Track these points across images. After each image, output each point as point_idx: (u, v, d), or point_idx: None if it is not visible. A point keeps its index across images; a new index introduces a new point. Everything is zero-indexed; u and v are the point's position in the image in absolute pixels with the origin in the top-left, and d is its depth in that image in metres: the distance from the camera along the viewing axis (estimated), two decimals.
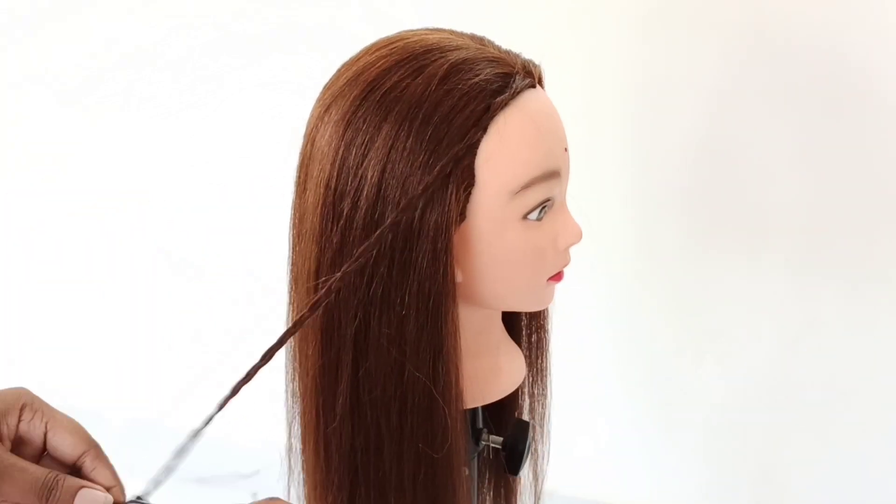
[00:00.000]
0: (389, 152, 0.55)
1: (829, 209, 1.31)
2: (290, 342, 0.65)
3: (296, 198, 0.62)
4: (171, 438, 1.70)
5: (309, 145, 0.60)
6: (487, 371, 0.68)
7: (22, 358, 1.88)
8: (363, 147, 0.56)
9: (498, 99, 0.56)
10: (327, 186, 0.57)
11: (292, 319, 0.64)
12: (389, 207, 0.55)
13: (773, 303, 1.38)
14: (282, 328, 0.67)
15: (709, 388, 1.46)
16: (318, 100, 0.60)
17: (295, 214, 0.62)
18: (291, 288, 0.64)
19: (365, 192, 0.56)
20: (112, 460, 0.47)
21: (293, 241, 0.62)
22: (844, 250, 1.32)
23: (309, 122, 0.61)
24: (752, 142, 1.31)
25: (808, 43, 1.23)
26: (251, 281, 1.63)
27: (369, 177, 0.56)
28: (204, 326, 1.71)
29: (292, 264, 0.63)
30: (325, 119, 0.58)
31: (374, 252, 0.56)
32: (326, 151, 0.57)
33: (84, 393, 1.88)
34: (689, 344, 1.45)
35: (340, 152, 0.57)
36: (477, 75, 0.57)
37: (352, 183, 0.56)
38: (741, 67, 1.26)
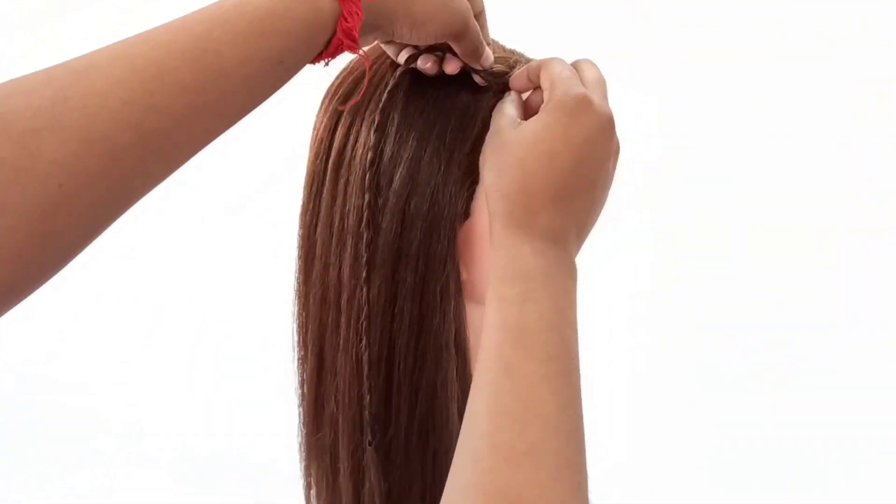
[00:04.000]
0: (412, 152, 0.56)
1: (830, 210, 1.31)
2: (296, 344, 0.65)
3: (322, 205, 0.61)
4: (168, 439, 1.70)
5: (336, 154, 0.59)
6: None
7: (22, 359, 1.89)
8: (391, 152, 0.57)
9: (503, 96, 0.57)
10: (363, 190, 0.57)
11: (301, 330, 0.64)
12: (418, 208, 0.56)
13: (775, 304, 1.39)
14: (278, 330, 0.67)
15: (712, 388, 1.46)
16: (330, 106, 0.60)
17: (315, 221, 0.61)
18: (300, 289, 0.64)
19: (394, 197, 0.56)
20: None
21: (320, 250, 0.61)
22: (853, 253, 1.32)
23: (324, 128, 0.60)
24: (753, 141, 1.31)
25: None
26: (249, 282, 1.63)
27: (397, 177, 0.56)
28: (201, 327, 1.71)
29: (317, 274, 0.62)
30: (347, 124, 0.58)
31: (380, 248, 0.56)
32: (360, 158, 0.58)
33: (83, 393, 1.89)
34: (690, 344, 1.45)
35: (371, 158, 0.57)
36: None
37: (385, 186, 0.57)
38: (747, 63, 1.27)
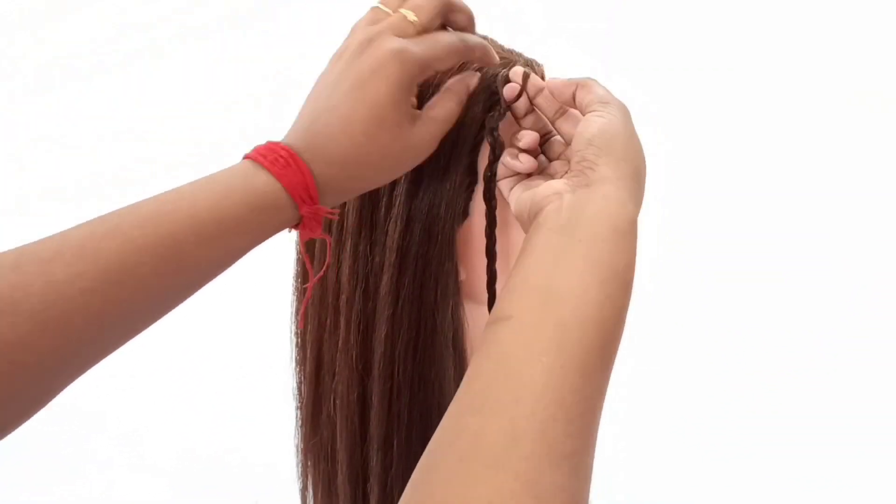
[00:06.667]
0: None
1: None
2: (294, 346, 0.64)
3: None
4: (166, 443, 1.70)
5: None
6: None
7: None
8: None
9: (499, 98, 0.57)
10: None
11: (299, 331, 0.64)
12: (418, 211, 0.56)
13: (774, 306, 1.39)
14: (277, 331, 0.66)
15: (711, 388, 1.46)
16: None
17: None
18: (299, 291, 0.63)
19: (396, 201, 0.56)
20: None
21: (319, 251, 0.61)
22: (852, 254, 1.32)
23: None
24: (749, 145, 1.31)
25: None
26: (248, 283, 1.62)
27: (400, 182, 0.56)
28: (199, 329, 1.71)
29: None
30: None
31: (379, 249, 0.56)
32: None
33: (81, 397, 1.88)
34: (691, 344, 1.45)
35: None
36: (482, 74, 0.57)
37: (386, 189, 0.56)
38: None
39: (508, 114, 0.55)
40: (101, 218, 0.43)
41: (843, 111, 1.50)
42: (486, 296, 0.61)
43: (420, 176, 0.56)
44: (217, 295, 1.75)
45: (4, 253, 0.41)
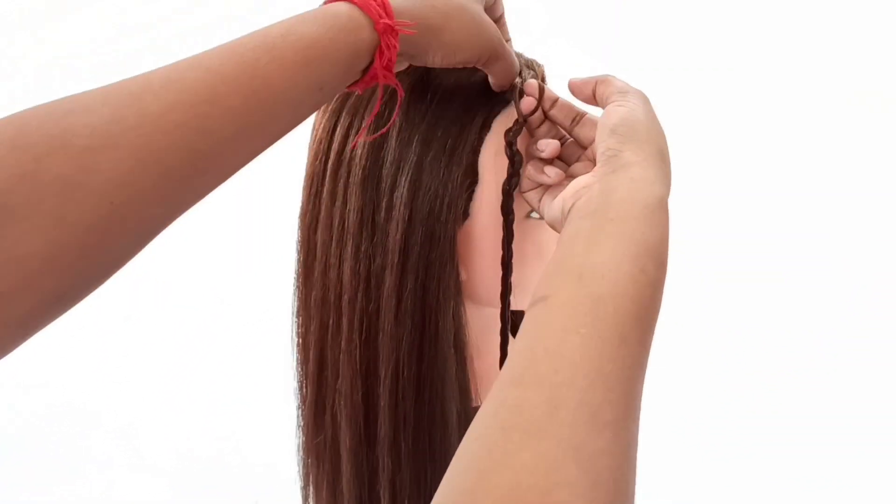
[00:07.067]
0: (415, 156, 0.56)
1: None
2: (296, 346, 0.64)
3: (322, 206, 0.61)
4: (165, 443, 1.70)
5: (335, 155, 0.59)
6: (491, 370, 0.67)
7: (21, 358, 1.88)
8: (393, 156, 0.57)
9: (501, 97, 0.57)
10: (363, 190, 0.57)
11: (301, 331, 0.64)
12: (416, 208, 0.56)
13: (774, 306, 1.39)
14: (278, 331, 0.66)
15: (712, 388, 1.46)
16: (329, 107, 0.60)
17: (315, 222, 0.61)
18: (300, 291, 0.63)
19: (397, 201, 0.56)
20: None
21: (320, 251, 0.61)
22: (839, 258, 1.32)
23: (323, 128, 0.60)
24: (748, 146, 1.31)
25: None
26: (249, 283, 1.63)
27: (401, 182, 0.56)
28: (200, 329, 1.71)
29: (317, 275, 0.62)
30: (346, 125, 0.58)
31: (381, 251, 0.56)
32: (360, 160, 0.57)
33: (80, 397, 1.89)
34: (691, 344, 1.45)
35: (373, 159, 0.57)
36: (481, 74, 0.57)
37: (387, 189, 0.57)
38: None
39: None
40: (179, 60, 0.42)
41: (843, 111, 1.51)
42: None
43: (420, 177, 0.56)
44: (217, 294, 1.76)
45: (85, 93, 0.40)
